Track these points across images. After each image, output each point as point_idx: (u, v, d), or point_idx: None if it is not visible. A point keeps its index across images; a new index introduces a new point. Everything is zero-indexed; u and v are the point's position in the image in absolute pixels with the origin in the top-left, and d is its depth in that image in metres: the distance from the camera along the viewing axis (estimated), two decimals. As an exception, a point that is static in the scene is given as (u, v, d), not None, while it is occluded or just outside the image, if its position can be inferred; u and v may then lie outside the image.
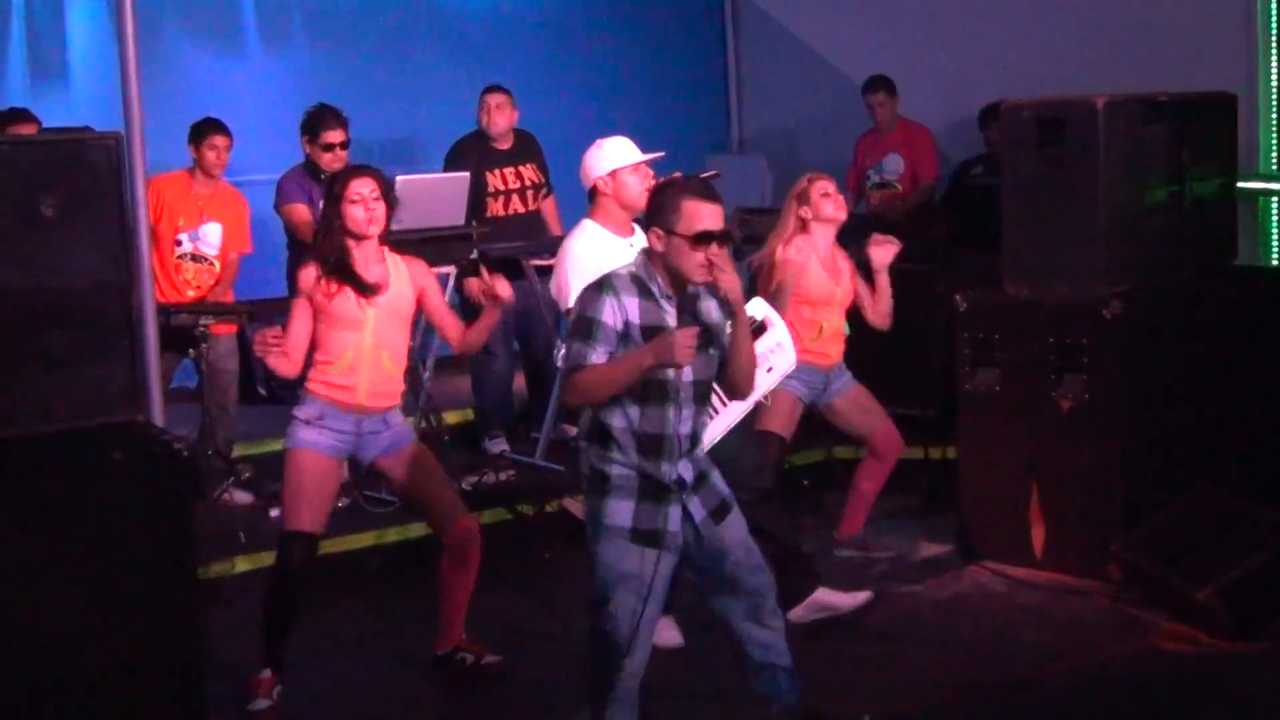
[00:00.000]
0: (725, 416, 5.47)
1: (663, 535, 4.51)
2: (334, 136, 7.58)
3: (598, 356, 4.40)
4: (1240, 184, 7.52)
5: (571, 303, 5.06)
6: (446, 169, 8.08)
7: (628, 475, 4.50)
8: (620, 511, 4.49)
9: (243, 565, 6.53)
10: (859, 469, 6.86)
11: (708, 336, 4.54)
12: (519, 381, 8.43)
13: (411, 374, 7.48)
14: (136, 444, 4.37)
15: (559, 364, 7.84)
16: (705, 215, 4.42)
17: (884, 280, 6.52)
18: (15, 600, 4.14)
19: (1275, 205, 8.49)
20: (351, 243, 5.37)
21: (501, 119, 8.09)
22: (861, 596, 6.00)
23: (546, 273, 7.98)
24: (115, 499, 4.25)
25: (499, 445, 8.02)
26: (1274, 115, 8.46)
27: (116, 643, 4.25)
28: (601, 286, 4.46)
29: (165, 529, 4.29)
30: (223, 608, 6.25)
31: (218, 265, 7.58)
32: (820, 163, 9.49)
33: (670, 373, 4.43)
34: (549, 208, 8.38)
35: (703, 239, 4.41)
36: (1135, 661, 5.68)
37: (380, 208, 5.40)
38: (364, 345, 5.38)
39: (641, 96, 10.48)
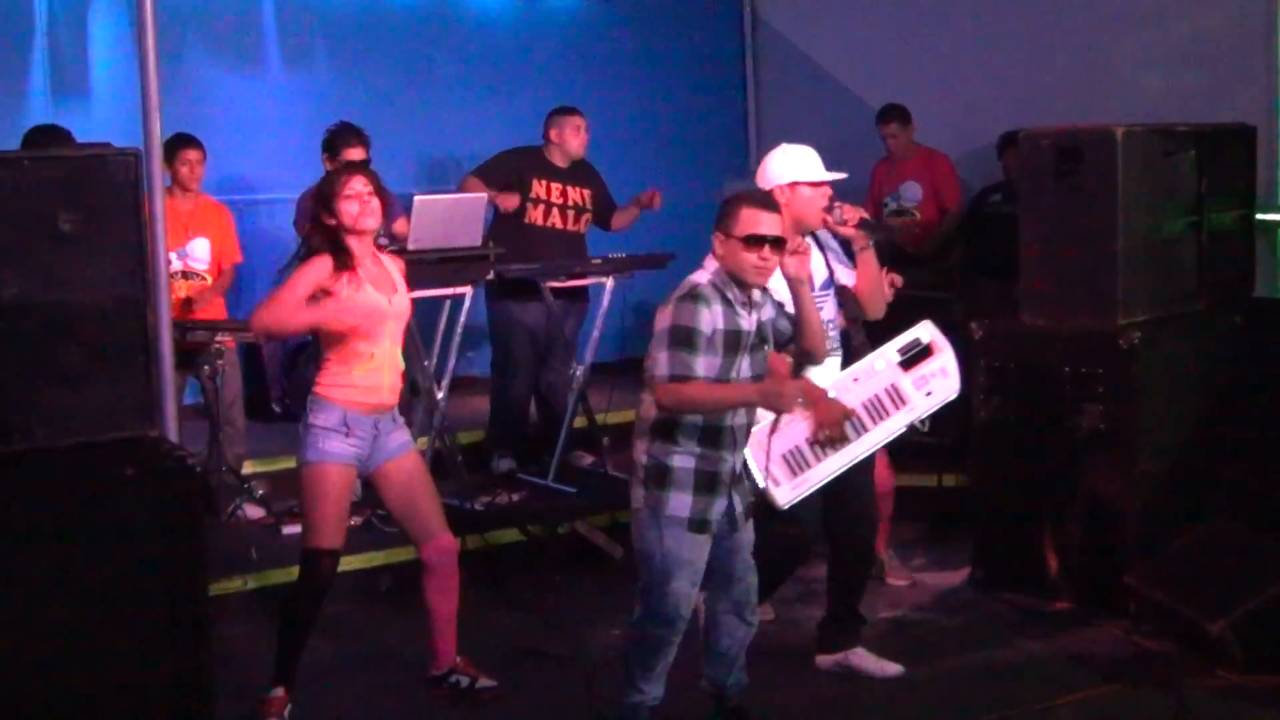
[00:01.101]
0: (882, 430, 5.57)
1: (710, 524, 4.88)
2: (355, 154, 7.61)
3: (702, 367, 4.71)
4: (1259, 216, 7.51)
5: None
6: (488, 165, 8.12)
7: (687, 468, 4.82)
8: (680, 503, 4.82)
9: (254, 582, 6.53)
10: None
11: (763, 334, 4.91)
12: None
13: (428, 395, 7.53)
14: (149, 459, 4.37)
15: (573, 385, 7.93)
16: (760, 221, 4.78)
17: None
18: (26, 613, 4.14)
19: (1294, 238, 8.47)
20: (352, 241, 5.37)
21: (578, 141, 8.13)
22: (892, 669, 5.78)
23: (563, 295, 8.05)
24: (127, 514, 4.25)
25: (507, 464, 8.03)
26: (1293, 148, 8.44)
27: (126, 657, 4.26)
28: (695, 298, 4.77)
29: (177, 544, 4.29)
30: (232, 625, 6.25)
31: (210, 280, 7.61)
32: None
33: (733, 371, 4.79)
34: (619, 218, 8.40)
35: (754, 241, 4.75)
36: (1147, 693, 5.64)
37: (375, 202, 5.40)
38: (385, 342, 5.41)
39: (662, 121, 10.50)
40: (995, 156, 9.01)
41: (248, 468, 7.59)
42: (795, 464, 5.42)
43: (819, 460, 5.43)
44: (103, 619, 4.22)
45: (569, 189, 8.19)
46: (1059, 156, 6.53)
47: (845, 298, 5.76)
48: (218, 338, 7.14)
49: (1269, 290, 8.09)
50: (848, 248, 5.73)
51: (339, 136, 7.66)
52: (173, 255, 7.45)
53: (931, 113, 9.44)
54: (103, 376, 4.42)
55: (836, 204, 5.61)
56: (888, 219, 9.27)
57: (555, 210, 8.16)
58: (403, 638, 6.30)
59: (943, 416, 7.72)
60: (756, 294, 4.90)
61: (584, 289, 8.21)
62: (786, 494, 5.40)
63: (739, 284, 4.83)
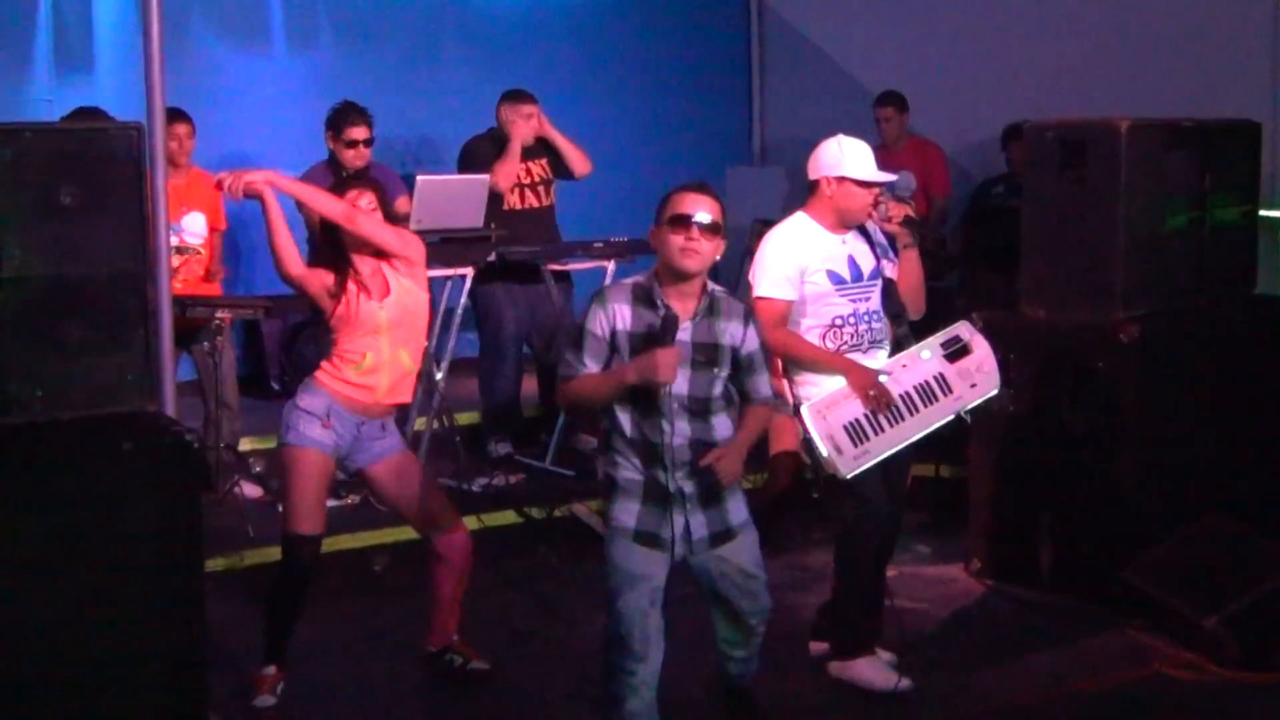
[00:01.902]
0: (934, 411, 5.55)
1: (660, 539, 4.62)
2: (358, 133, 7.61)
3: (587, 366, 4.57)
4: (1262, 212, 7.50)
5: (756, 290, 5.39)
6: (462, 167, 8.09)
7: (631, 479, 4.63)
8: (625, 512, 4.63)
9: (250, 559, 6.53)
10: None
11: (714, 355, 4.64)
12: (529, 385, 8.43)
13: (425, 375, 7.53)
14: (147, 434, 4.37)
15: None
16: (685, 202, 4.58)
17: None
18: (21, 585, 4.14)
19: (1296, 235, 8.46)
20: (354, 255, 5.38)
21: (531, 127, 8.07)
22: (903, 684, 5.59)
23: (563, 278, 8.05)
24: (124, 488, 4.24)
25: (504, 448, 8.03)
26: (1298, 144, 8.43)
27: (120, 631, 4.25)
28: (596, 297, 4.66)
29: (173, 520, 4.28)
30: (227, 602, 6.26)
31: (205, 253, 7.62)
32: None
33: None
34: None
35: (678, 221, 4.56)
36: (1140, 687, 5.66)
37: (378, 217, 5.42)
38: (382, 347, 5.39)
39: (664, 105, 10.49)
40: (996, 148, 9.02)
41: (246, 445, 7.59)
42: (857, 435, 5.36)
43: (879, 433, 5.39)
44: (98, 593, 4.22)
45: (530, 165, 8.17)
46: (1063, 149, 6.52)
47: (889, 293, 5.67)
48: (217, 314, 7.13)
49: (1271, 287, 8.08)
50: (893, 244, 5.69)
51: (342, 115, 7.66)
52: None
53: (934, 103, 9.44)
54: (102, 350, 4.41)
55: (883, 199, 5.58)
56: (920, 220, 9.25)
57: (527, 190, 8.15)
58: (396, 617, 6.31)
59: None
60: (706, 304, 4.65)
61: (567, 272, 8.19)
62: (849, 463, 5.31)
63: (674, 279, 4.60)
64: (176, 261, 7.48)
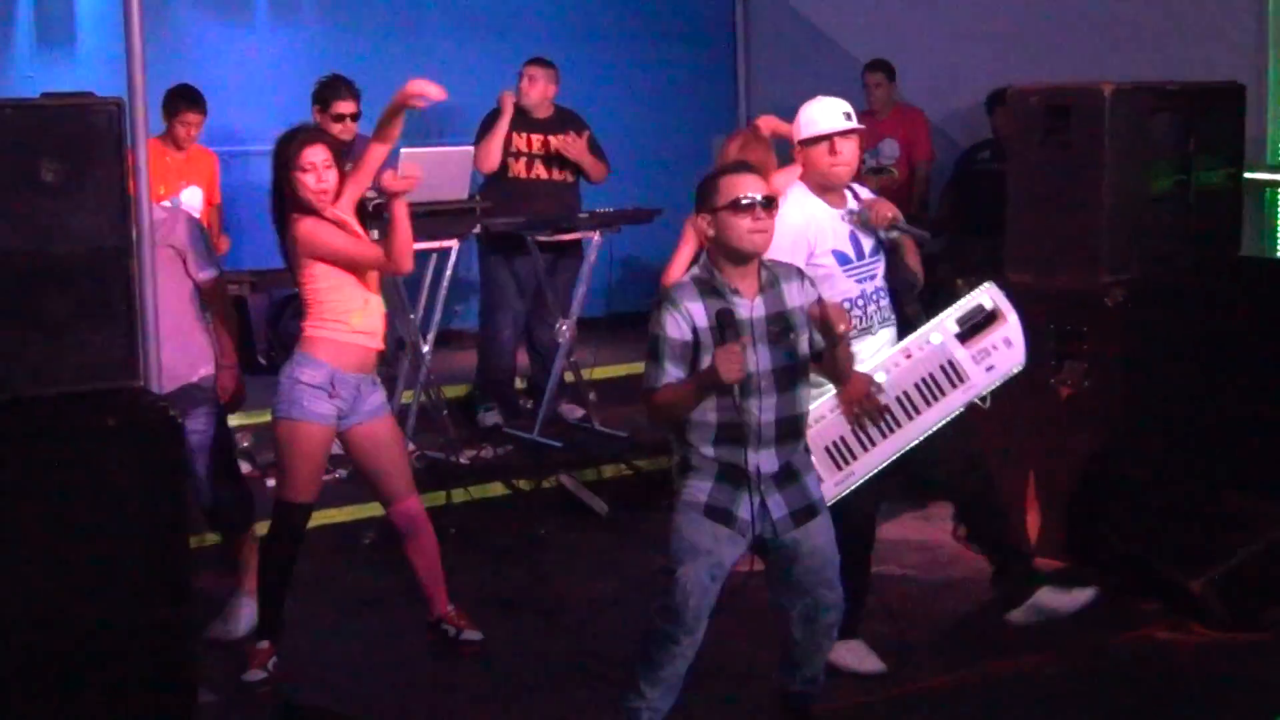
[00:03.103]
0: (937, 410, 5.31)
1: (735, 518, 4.52)
2: (345, 107, 7.58)
3: (668, 376, 4.44)
4: (1247, 175, 7.50)
5: None
6: (481, 130, 8.10)
7: (706, 459, 4.53)
8: (697, 489, 4.53)
9: (239, 534, 6.52)
10: None
11: (788, 321, 4.54)
12: (522, 359, 8.44)
13: (413, 348, 7.53)
14: (131, 410, 4.37)
15: (559, 340, 7.93)
16: (742, 184, 4.47)
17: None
18: (8, 561, 4.14)
19: (1281, 197, 8.47)
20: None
21: (534, 91, 8.11)
22: (1086, 594, 5.52)
23: (553, 249, 8.04)
24: (109, 464, 4.25)
25: (492, 418, 8.04)
26: (1282, 106, 8.43)
27: (107, 607, 4.26)
28: (663, 302, 4.50)
29: (158, 495, 4.29)
30: (216, 577, 6.26)
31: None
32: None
33: (747, 362, 4.41)
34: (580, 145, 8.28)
35: (743, 205, 4.44)
36: (1129, 650, 5.68)
37: (332, 175, 5.39)
38: (373, 287, 5.44)
39: (650, 74, 10.47)
40: (982, 114, 9.00)
41: (232, 420, 7.55)
42: (839, 457, 5.17)
43: (866, 450, 5.18)
44: (85, 568, 4.23)
45: (550, 139, 8.16)
46: (1047, 114, 6.51)
47: (897, 264, 5.48)
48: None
49: (1256, 249, 8.09)
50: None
51: (329, 89, 7.64)
52: (168, 204, 7.44)
53: (920, 69, 9.42)
54: (85, 327, 4.41)
55: (871, 201, 5.41)
56: (865, 177, 9.26)
57: (539, 162, 8.15)
58: (386, 590, 6.32)
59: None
60: (764, 275, 4.55)
61: (576, 243, 8.19)
62: (830, 490, 5.05)
63: (734, 262, 4.51)
64: None
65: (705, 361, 4.43)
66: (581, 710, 5.21)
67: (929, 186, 9.37)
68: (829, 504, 4.98)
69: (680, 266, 5.85)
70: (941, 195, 9.36)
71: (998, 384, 5.42)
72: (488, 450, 7.56)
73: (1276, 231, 8.48)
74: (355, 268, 5.38)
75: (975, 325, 5.37)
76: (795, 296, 4.60)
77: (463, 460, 7.41)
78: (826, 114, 5.32)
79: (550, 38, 9.80)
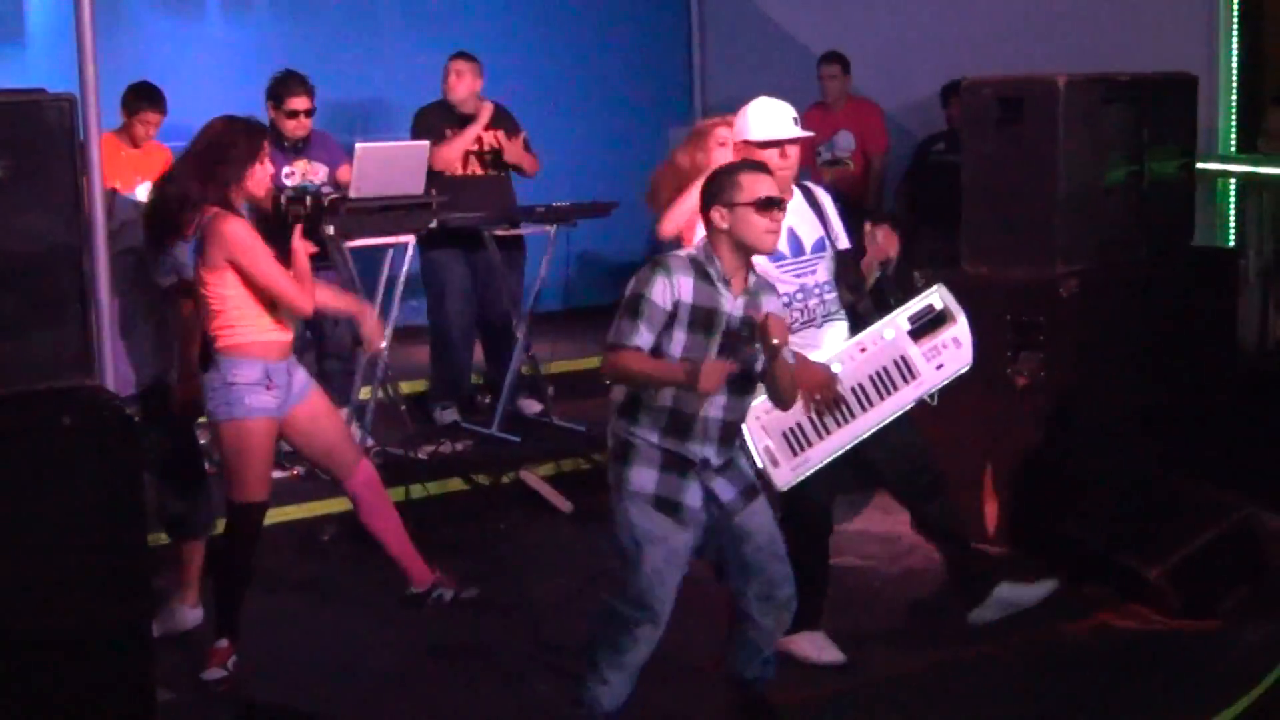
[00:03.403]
0: (890, 403, 5.36)
1: (683, 508, 4.57)
2: (299, 103, 7.55)
3: (640, 338, 4.46)
4: (1199, 165, 7.56)
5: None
6: (417, 129, 8.07)
7: (650, 445, 4.56)
8: (644, 478, 4.56)
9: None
10: None
11: (751, 329, 4.58)
12: (477, 354, 8.42)
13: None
14: (87, 409, 4.33)
15: (517, 334, 7.92)
16: (767, 185, 4.56)
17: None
18: (-38, 564, 4.12)
19: (1233, 187, 8.54)
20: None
21: (460, 85, 8.08)
22: (1048, 585, 5.60)
23: (506, 243, 8.03)
24: (65, 463, 4.21)
25: (450, 415, 8.02)
26: (1233, 97, 8.51)
27: (64, 608, 4.23)
28: (656, 265, 4.53)
29: (115, 494, 4.26)
30: (174, 575, 6.23)
31: None
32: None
33: (711, 354, 4.49)
34: (525, 159, 8.26)
35: (766, 205, 4.52)
36: (1085, 639, 5.71)
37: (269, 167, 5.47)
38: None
39: (605, 66, 10.46)
40: (937, 106, 9.05)
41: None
42: (796, 442, 5.21)
43: (821, 437, 5.23)
44: (41, 569, 4.19)
45: (482, 134, 8.14)
46: (1000, 105, 6.55)
47: (844, 264, 5.52)
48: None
49: (1208, 239, 8.16)
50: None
51: (283, 85, 7.60)
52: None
53: (874, 62, 9.46)
54: (39, 325, 4.37)
55: (877, 227, 5.54)
56: (820, 169, 9.29)
57: (473, 158, 8.13)
58: (346, 586, 6.31)
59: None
60: (752, 280, 4.62)
61: (519, 238, 8.18)
62: (786, 474, 5.17)
63: (738, 257, 4.57)
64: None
65: (674, 336, 4.48)
66: (543, 704, 5.20)
67: (884, 179, 9.40)
68: (785, 489, 5.14)
69: (681, 217, 5.77)
70: (897, 187, 9.40)
71: (946, 383, 5.48)
72: (446, 446, 7.54)
73: (1229, 221, 8.56)
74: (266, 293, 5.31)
75: (926, 324, 5.44)
76: (770, 303, 4.67)
77: (422, 456, 7.40)
78: (778, 119, 5.34)
79: (502, 31, 9.80)
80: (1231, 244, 8.46)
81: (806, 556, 5.18)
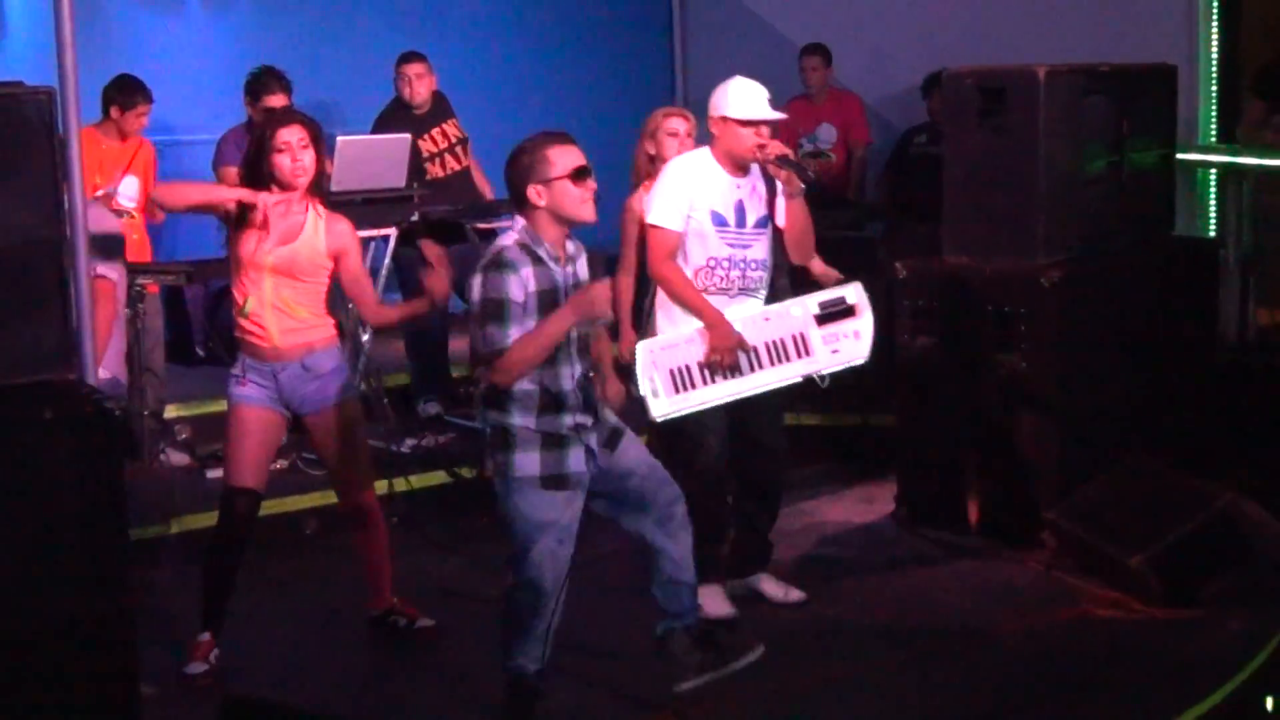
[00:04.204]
0: (777, 372, 5.57)
1: (569, 478, 4.71)
2: (276, 100, 7.51)
3: (514, 338, 4.58)
4: (1179, 155, 7.58)
5: (648, 216, 5.56)
6: (381, 124, 8.06)
7: (527, 429, 4.68)
8: (527, 462, 4.68)
9: (178, 526, 6.49)
10: None
11: (580, 288, 4.76)
12: (457, 345, 8.39)
13: (352, 337, 7.49)
14: (68, 402, 4.31)
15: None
16: (575, 154, 4.66)
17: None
18: (-57, 559, 4.10)
19: (1213, 177, 8.56)
20: (276, 190, 5.33)
21: (423, 88, 8.08)
22: (795, 595, 5.95)
23: (487, 236, 8.01)
24: (46, 457, 4.19)
25: (433, 408, 8.00)
26: (1213, 87, 8.53)
27: (46, 603, 4.20)
28: (501, 266, 4.62)
29: (97, 488, 4.23)
30: (156, 569, 6.22)
31: (138, 217, 7.57)
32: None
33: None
34: (475, 168, 8.30)
35: (580, 175, 4.64)
36: (1068, 628, 5.73)
37: (308, 156, 5.34)
38: (264, 288, 5.33)
39: (587, 57, 10.44)
40: (918, 97, 9.05)
41: (172, 411, 7.52)
42: (681, 381, 5.42)
43: (705, 384, 5.44)
44: (20, 565, 4.17)
45: (444, 128, 8.15)
46: (982, 96, 6.56)
47: (776, 240, 5.72)
48: (139, 280, 7.05)
49: (1189, 229, 8.18)
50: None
51: (261, 83, 7.58)
52: (101, 194, 7.38)
53: (856, 53, 9.46)
54: (20, 319, 4.34)
55: (766, 142, 5.60)
56: (803, 160, 9.28)
57: (447, 155, 8.14)
58: (329, 580, 6.30)
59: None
60: (570, 247, 4.76)
61: (491, 231, 8.17)
62: (665, 405, 5.39)
63: (560, 230, 4.70)
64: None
65: (528, 324, 4.60)
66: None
67: (866, 170, 9.41)
68: (660, 419, 5.42)
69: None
70: (879, 179, 9.40)
71: (838, 369, 5.68)
72: (429, 438, 7.53)
73: (1209, 211, 8.58)
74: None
75: (834, 313, 5.66)
76: (584, 270, 4.83)
77: (404, 449, 7.38)
78: (757, 98, 5.56)
79: (483, 23, 9.77)
80: (1212, 234, 8.48)
81: (703, 509, 5.32)
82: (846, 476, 7.59)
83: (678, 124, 6.18)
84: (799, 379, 5.63)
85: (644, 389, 5.35)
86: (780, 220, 5.70)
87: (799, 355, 5.61)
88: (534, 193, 4.66)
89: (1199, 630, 5.64)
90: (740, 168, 5.61)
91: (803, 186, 5.62)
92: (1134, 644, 5.58)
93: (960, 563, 6.43)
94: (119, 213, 7.45)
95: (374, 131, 8.12)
